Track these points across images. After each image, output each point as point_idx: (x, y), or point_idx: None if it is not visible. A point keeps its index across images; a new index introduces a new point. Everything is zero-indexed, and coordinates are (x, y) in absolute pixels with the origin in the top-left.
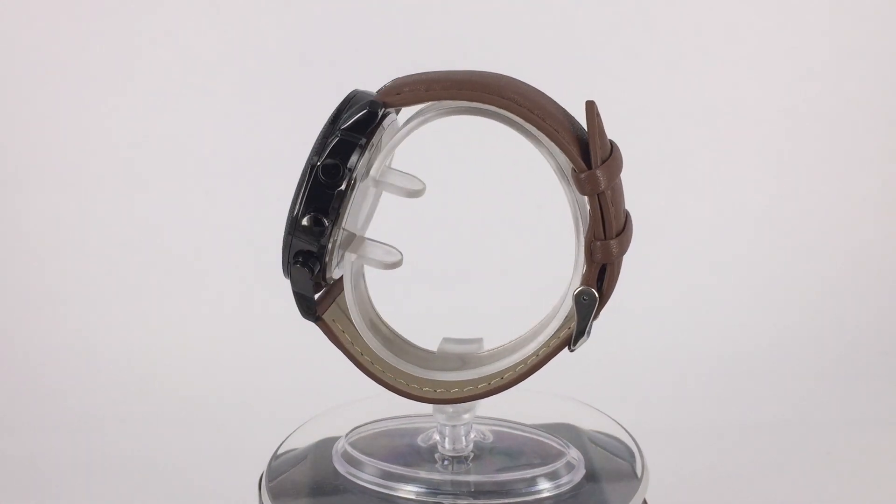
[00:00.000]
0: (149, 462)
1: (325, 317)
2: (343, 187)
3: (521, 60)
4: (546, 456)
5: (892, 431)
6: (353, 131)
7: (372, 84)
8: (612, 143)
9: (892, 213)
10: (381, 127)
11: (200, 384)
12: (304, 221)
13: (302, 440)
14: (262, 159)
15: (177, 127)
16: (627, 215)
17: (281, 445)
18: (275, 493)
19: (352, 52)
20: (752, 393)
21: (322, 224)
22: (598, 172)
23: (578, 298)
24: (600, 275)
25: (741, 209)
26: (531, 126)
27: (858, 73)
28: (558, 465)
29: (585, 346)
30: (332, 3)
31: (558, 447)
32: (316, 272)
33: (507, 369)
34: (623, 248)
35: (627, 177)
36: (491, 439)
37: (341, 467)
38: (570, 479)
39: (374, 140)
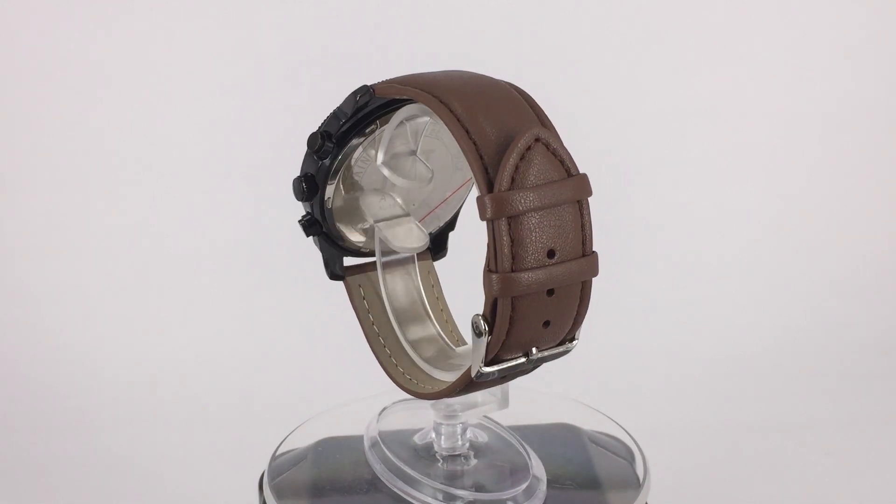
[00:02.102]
0: (148, 462)
1: (351, 279)
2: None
3: (521, 60)
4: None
5: (892, 431)
6: (341, 108)
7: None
8: (570, 170)
9: (892, 213)
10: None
11: (200, 384)
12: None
13: (302, 440)
14: (263, 159)
15: (176, 127)
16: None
17: (281, 445)
18: (276, 493)
19: (352, 52)
20: (751, 393)
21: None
22: (486, 199)
23: (473, 324)
24: (493, 308)
25: (741, 209)
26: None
27: (861, 73)
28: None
29: (585, 346)
30: (333, 3)
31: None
32: (312, 209)
33: None
34: (517, 288)
35: (628, 177)
36: (486, 439)
37: (377, 464)
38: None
39: (378, 131)
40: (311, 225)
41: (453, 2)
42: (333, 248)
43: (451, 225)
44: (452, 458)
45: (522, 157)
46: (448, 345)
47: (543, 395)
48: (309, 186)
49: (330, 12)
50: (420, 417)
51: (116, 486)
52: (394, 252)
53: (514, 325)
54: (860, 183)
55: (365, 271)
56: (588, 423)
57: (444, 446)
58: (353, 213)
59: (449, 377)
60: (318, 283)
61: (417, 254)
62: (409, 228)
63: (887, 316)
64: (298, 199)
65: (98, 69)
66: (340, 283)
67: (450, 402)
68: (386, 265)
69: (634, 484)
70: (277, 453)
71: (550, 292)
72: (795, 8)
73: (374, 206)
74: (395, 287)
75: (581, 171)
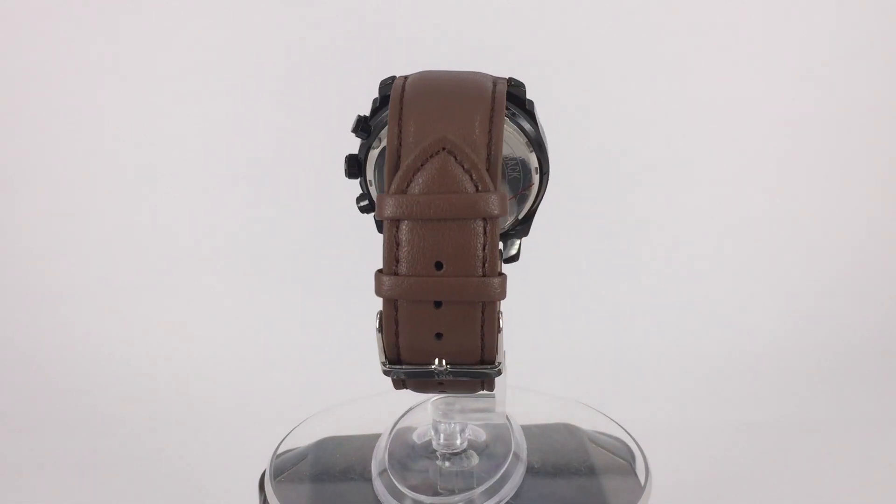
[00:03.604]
0: (148, 462)
1: None
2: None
3: (522, 60)
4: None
5: (892, 431)
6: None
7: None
8: (479, 186)
9: (892, 213)
10: None
11: (201, 384)
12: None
13: (302, 439)
14: (263, 159)
15: (176, 126)
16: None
17: (281, 444)
18: (276, 492)
19: (351, 52)
20: (751, 393)
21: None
22: (379, 198)
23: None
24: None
25: (741, 209)
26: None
27: (861, 73)
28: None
29: (585, 347)
30: (334, 3)
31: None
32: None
33: None
34: (399, 291)
35: (628, 177)
36: (484, 436)
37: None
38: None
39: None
40: (360, 202)
41: (453, 2)
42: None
43: (520, 230)
44: (452, 455)
45: (423, 165)
46: None
47: (543, 395)
48: (349, 165)
49: (330, 12)
50: (419, 416)
51: (117, 486)
52: None
53: (401, 329)
54: (860, 183)
55: None
56: (588, 423)
57: (442, 444)
58: None
59: None
60: (318, 284)
61: None
62: None
63: (887, 316)
64: (346, 176)
65: (98, 69)
66: (340, 283)
67: (450, 402)
68: None
69: (636, 484)
70: (278, 453)
71: (438, 304)
72: (796, 8)
73: None
74: None
75: (497, 191)
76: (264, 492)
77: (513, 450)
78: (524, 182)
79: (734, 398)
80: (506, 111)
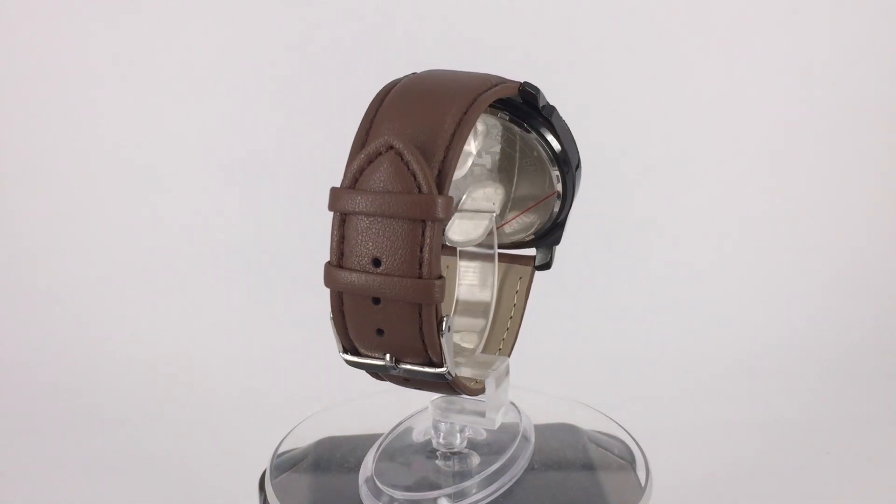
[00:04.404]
0: (149, 461)
1: (443, 258)
2: None
3: (522, 60)
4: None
5: (892, 431)
6: None
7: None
8: (421, 188)
9: (891, 213)
10: None
11: (201, 384)
12: None
13: (302, 439)
14: (264, 159)
15: (176, 126)
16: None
17: (281, 444)
18: (277, 492)
19: (352, 51)
20: (751, 393)
21: None
22: (330, 191)
23: None
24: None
25: (741, 209)
26: None
27: (860, 73)
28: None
29: (586, 347)
30: (334, 3)
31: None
32: None
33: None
34: (340, 284)
35: (628, 178)
36: (484, 435)
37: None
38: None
39: None
40: None
41: (453, 2)
42: None
43: (552, 238)
44: (451, 455)
45: (371, 162)
46: (474, 347)
47: (543, 395)
48: None
49: (331, 12)
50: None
51: (117, 486)
52: (479, 244)
53: (347, 321)
54: (860, 183)
55: (453, 255)
56: (588, 423)
57: (442, 443)
58: None
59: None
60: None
61: (516, 259)
62: (478, 225)
63: (887, 316)
64: None
65: (98, 69)
66: None
67: (450, 401)
68: (462, 253)
69: (636, 484)
70: (278, 453)
71: (377, 301)
72: (796, 8)
73: (458, 194)
74: (466, 276)
75: (443, 194)
76: (264, 492)
77: (521, 431)
78: (546, 191)
79: (734, 398)
80: (520, 120)
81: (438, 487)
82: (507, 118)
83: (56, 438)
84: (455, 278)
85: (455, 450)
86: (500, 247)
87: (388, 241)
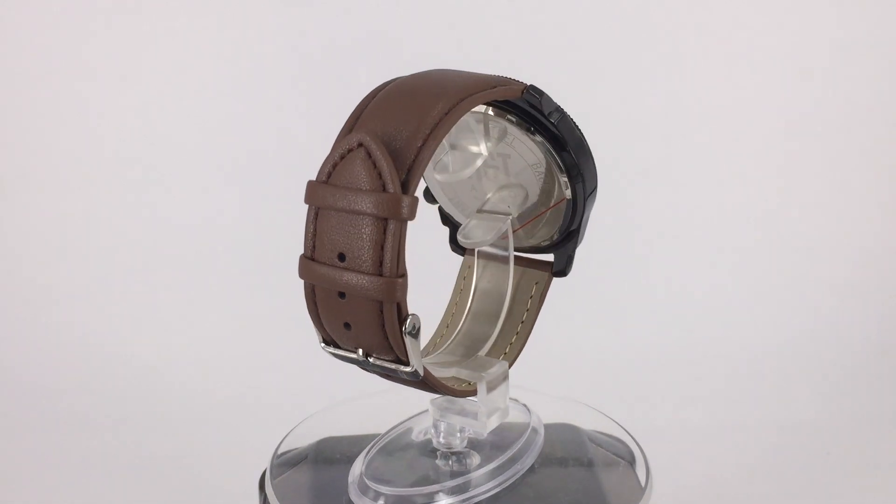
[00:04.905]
0: (149, 461)
1: (465, 258)
2: None
3: (522, 60)
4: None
5: (892, 431)
6: None
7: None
8: (386, 186)
9: (892, 213)
10: None
11: (201, 384)
12: None
13: (302, 439)
14: (263, 159)
15: (176, 126)
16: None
17: (281, 444)
18: (277, 492)
19: (352, 51)
20: (751, 393)
21: None
22: (308, 184)
23: None
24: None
25: (741, 209)
26: None
27: (861, 73)
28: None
29: (586, 347)
30: (334, 2)
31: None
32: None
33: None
34: (311, 276)
35: (628, 178)
36: (485, 436)
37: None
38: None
39: None
40: (426, 194)
41: (453, 2)
42: (446, 223)
43: (568, 245)
44: (451, 454)
45: (343, 158)
46: (479, 352)
47: (543, 395)
48: (425, 195)
49: (331, 11)
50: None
51: (117, 486)
52: (496, 246)
53: (320, 313)
54: (862, 183)
55: (474, 255)
56: (588, 423)
57: (442, 443)
58: (459, 197)
59: (439, 370)
60: None
61: (534, 263)
62: (491, 227)
63: (887, 316)
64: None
65: (99, 69)
66: None
67: (451, 400)
68: (481, 253)
69: (636, 484)
70: (278, 453)
71: (342, 295)
72: (796, 8)
73: (481, 195)
74: (483, 278)
75: (408, 194)
76: (264, 492)
77: (527, 434)
78: (556, 197)
79: (734, 398)
80: (527, 124)
81: (431, 485)
82: (514, 121)
83: (56, 438)
84: (472, 279)
85: (455, 450)
86: (518, 250)
87: (352, 238)
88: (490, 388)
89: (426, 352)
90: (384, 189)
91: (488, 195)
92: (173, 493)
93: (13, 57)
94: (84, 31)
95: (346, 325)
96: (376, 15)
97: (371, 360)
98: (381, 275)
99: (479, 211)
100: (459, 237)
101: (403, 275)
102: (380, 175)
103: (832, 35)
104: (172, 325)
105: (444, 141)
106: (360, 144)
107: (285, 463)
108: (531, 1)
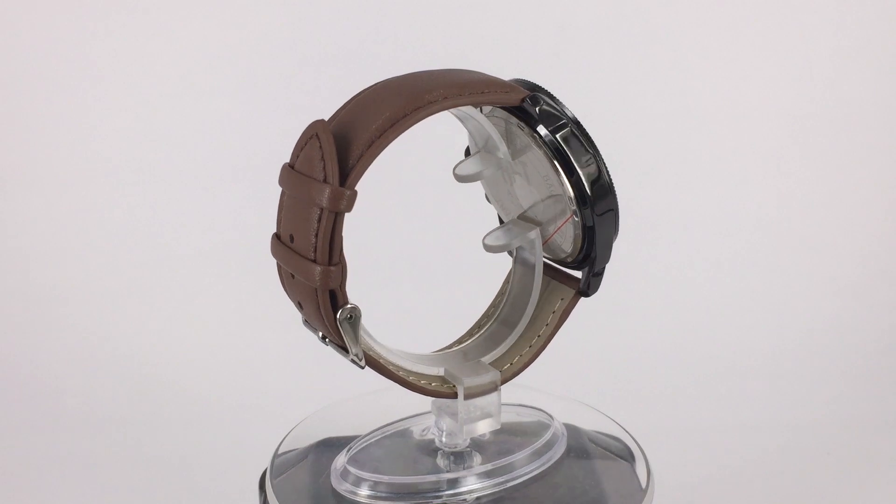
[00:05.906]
0: (148, 461)
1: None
2: None
3: (522, 60)
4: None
5: (892, 431)
6: None
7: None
8: (327, 177)
9: (892, 213)
10: None
11: (201, 384)
12: None
13: (302, 439)
14: (262, 159)
15: (176, 126)
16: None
17: (281, 444)
18: (277, 492)
19: (353, 51)
20: (751, 393)
21: None
22: (284, 168)
23: None
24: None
25: (741, 210)
26: None
27: (862, 73)
28: (541, 441)
29: (586, 347)
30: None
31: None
32: None
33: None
34: (275, 253)
35: (628, 178)
36: (488, 436)
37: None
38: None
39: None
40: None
41: (453, 2)
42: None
43: (589, 263)
44: (452, 453)
45: (305, 145)
46: (488, 357)
47: (543, 395)
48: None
49: (332, 11)
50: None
51: (117, 486)
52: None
53: (286, 290)
54: (860, 183)
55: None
56: (588, 423)
57: (444, 442)
58: (502, 201)
59: (420, 366)
60: None
61: (563, 278)
62: (514, 233)
63: (887, 316)
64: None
65: (99, 69)
66: None
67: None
68: (517, 259)
69: (636, 485)
70: (278, 453)
71: (292, 276)
72: (796, 8)
73: (516, 200)
74: (517, 284)
75: (345, 186)
76: (264, 492)
77: (539, 441)
78: (565, 213)
79: (735, 398)
80: (532, 133)
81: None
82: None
83: (56, 438)
84: (510, 284)
85: (457, 449)
86: (552, 262)
87: (298, 222)
88: (469, 395)
89: (455, 344)
90: (325, 180)
91: (523, 202)
92: (173, 493)
93: (13, 57)
94: (84, 31)
95: (299, 305)
96: (378, 15)
97: (327, 341)
98: (316, 261)
99: (520, 217)
100: (485, 242)
101: (338, 264)
102: (323, 165)
103: (833, 34)
104: (173, 324)
105: (474, 139)
106: (315, 135)
107: (285, 463)
108: (533, 1)
